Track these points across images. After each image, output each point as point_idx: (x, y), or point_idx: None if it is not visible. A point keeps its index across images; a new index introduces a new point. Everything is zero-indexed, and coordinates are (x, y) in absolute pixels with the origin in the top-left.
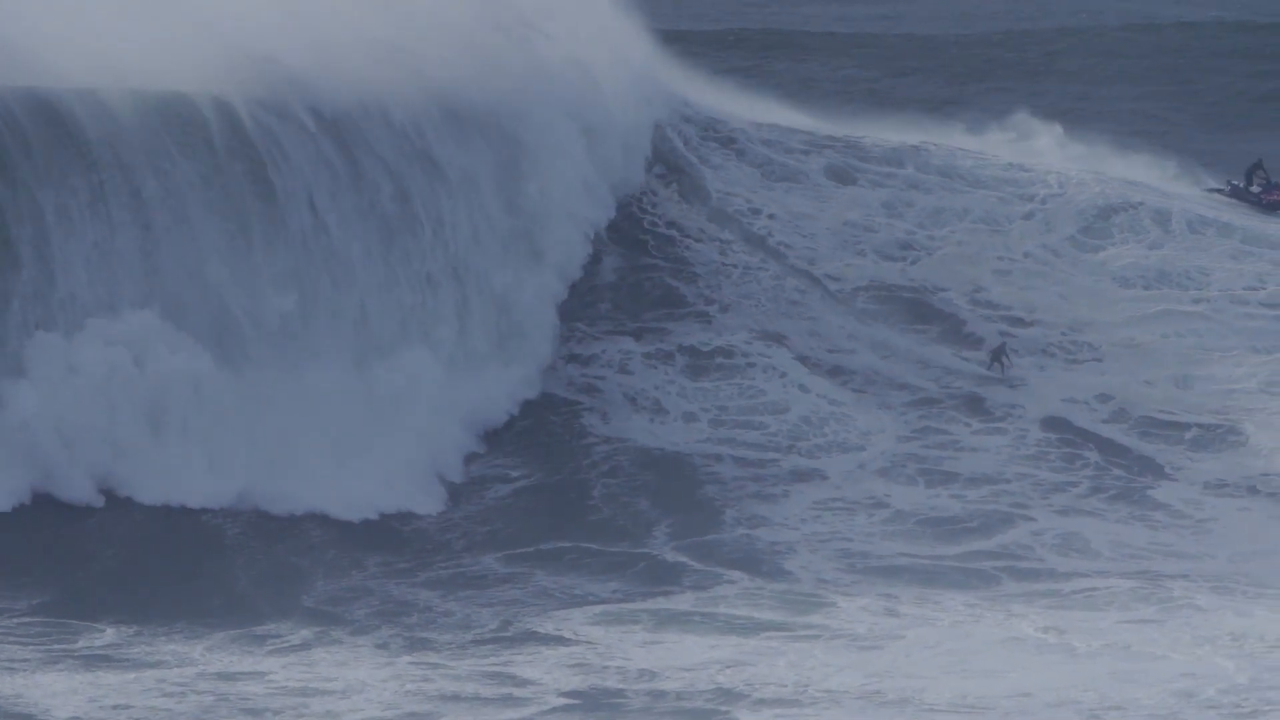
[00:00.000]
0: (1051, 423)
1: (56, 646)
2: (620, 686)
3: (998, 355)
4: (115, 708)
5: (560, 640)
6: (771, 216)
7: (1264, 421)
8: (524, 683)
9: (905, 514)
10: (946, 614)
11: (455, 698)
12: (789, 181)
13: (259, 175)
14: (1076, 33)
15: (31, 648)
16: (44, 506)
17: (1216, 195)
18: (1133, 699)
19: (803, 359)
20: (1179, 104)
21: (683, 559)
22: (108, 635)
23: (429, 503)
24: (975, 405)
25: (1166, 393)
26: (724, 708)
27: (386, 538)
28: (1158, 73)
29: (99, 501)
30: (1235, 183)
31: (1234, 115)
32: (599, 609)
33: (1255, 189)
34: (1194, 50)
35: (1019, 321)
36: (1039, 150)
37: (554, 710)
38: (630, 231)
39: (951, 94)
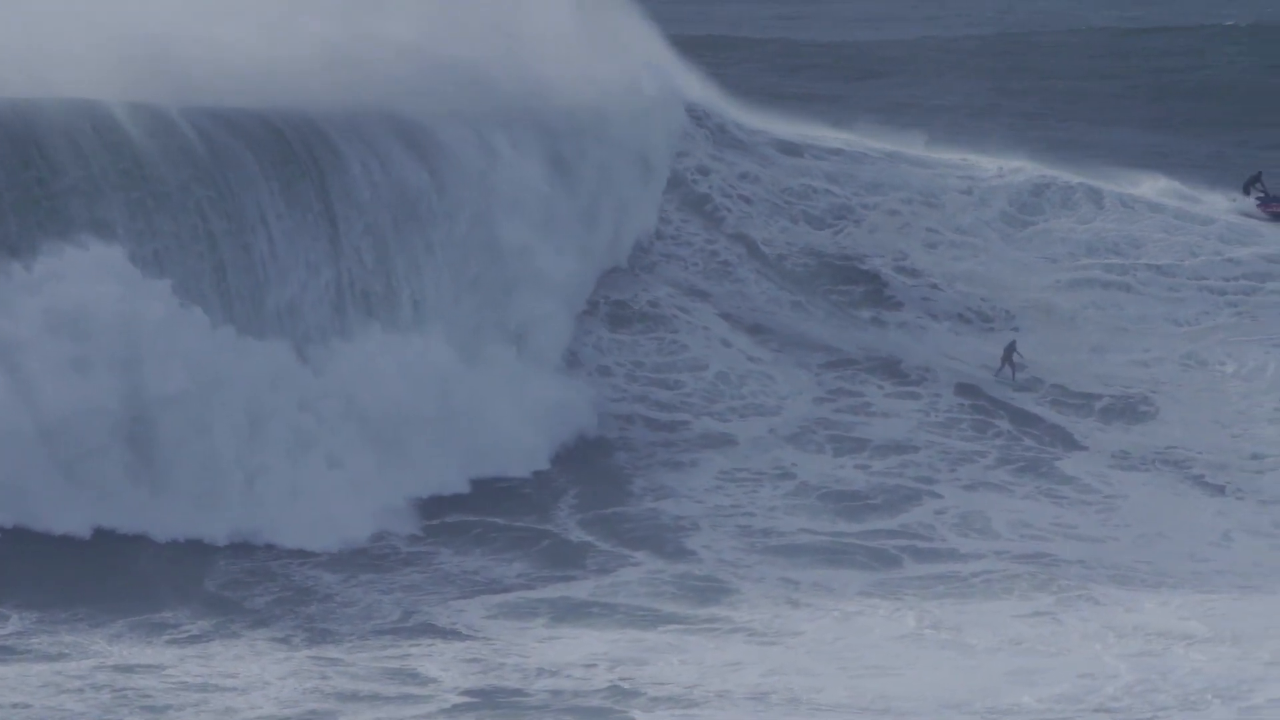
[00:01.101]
0: (965, 389)
1: None
2: (518, 685)
3: (1007, 357)
4: (14, 706)
5: (459, 635)
6: (715, 179)
7: (1177, 394)
8: (424, 680)
9: (810, 487)
10: (845, 604)
11: (354, 696)
12: (738, 149)
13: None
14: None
15: None
16: None
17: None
18: (1023, 703)
19: (726, 316)
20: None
21: (588, 538)
22: (11, 623)
23: None
24: (891, 368)
25: (1082, 361)
26: (620, 707)
27: None
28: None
29: None
30: (1233, 197)
31: (1095, 111)
32: (499, 600)
33: (1255, 199)
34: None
35: (937, 288)
36: None
37: (453, 709)
38: None
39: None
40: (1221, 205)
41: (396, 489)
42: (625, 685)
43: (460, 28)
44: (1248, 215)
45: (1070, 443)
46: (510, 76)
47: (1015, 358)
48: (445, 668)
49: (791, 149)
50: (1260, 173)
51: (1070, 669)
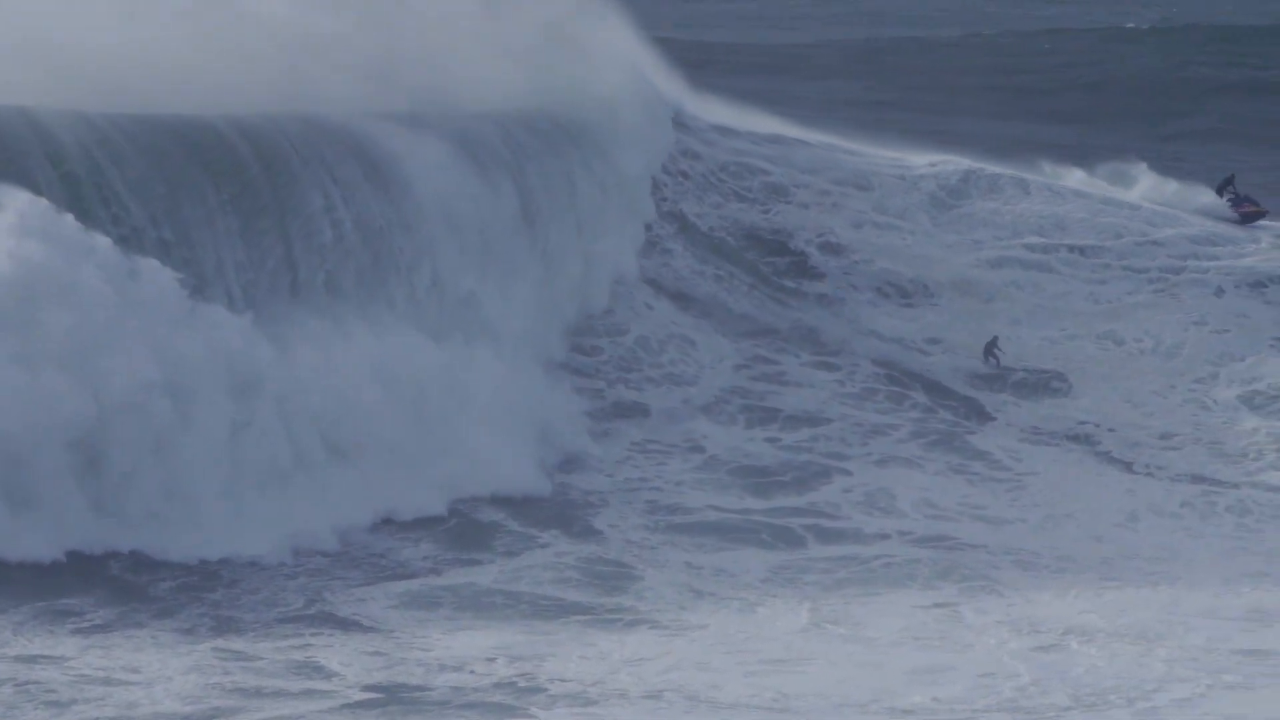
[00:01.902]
0: (882, 361)
1: None
2: (420, 681)
3: (990, 349)
4: None
5: (361, 626)
6: None
7: (1091, 371)
8: (328, 674)
9: (719, 460)
10: (747, 592)
11: (258, 692)
12: (680, 129)
13: None
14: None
15: None
16: None
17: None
18: (921, 702)
19: (650, 282)
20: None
21: (497, 517)
22: None
23: None
24: (810, 339)
25: (1000, 337)
26: (521, 703)
27: None
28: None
29: None
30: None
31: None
32: (403, 587)
33: (1226, 201)
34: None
35: (858, 264)
36: None
37: (355, 705)
38: None
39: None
40: (1147, 193)
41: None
42: (525, 682)
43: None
44: (1221, 218)
45: (984, 416)
46: (428, 70)
47: (997, 351)
48: (348, 662)
49: (730, 133)
50: (1233, 175)
51: (970, 666)
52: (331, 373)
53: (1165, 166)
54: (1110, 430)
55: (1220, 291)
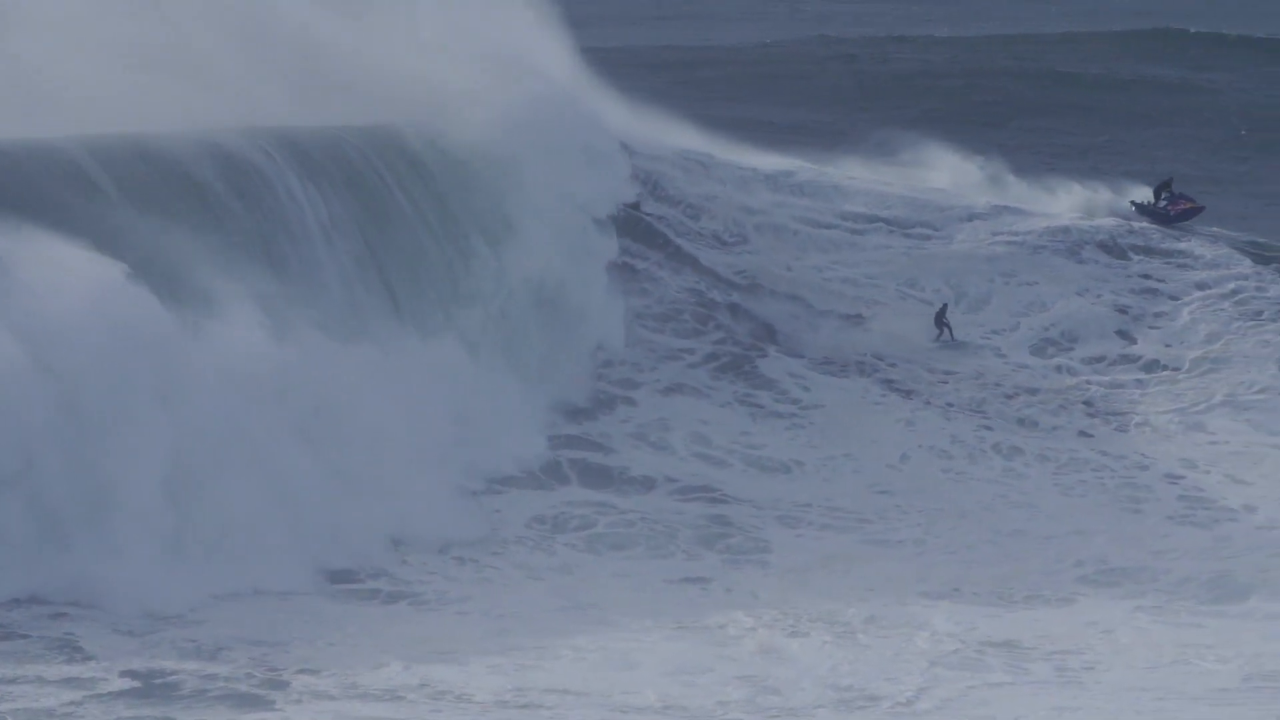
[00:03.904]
0: (689, 290)
1: None
2: (175, 666)
3: (940, 319)
4: None
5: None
6: None
7: (885, 309)
8: (86, 657)
9: None
10: (504, 563)
11: (15, 680)
12: None
13: None
14: None
15: None
16: None
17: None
18: (668, 703)
19: None
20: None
21: None
22: None
23: None
24: (622, 267)
25: (804, 276)
26: (270, 694)
27: None
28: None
29: None
30: (1141, 201)
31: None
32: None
33: (1162, 204)
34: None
35: (693, 208)
36: None
37: (113, 695)
38: None
39: None
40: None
41: None
42: (272, 677)
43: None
44: (1152, 223)
45: (777, 343)
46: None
47: (947, 319)
48: (105, 646)
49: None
50: (1171, 178)
51: (730, 668)
52: None
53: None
54: (893, 365)
55: (1036, 250)
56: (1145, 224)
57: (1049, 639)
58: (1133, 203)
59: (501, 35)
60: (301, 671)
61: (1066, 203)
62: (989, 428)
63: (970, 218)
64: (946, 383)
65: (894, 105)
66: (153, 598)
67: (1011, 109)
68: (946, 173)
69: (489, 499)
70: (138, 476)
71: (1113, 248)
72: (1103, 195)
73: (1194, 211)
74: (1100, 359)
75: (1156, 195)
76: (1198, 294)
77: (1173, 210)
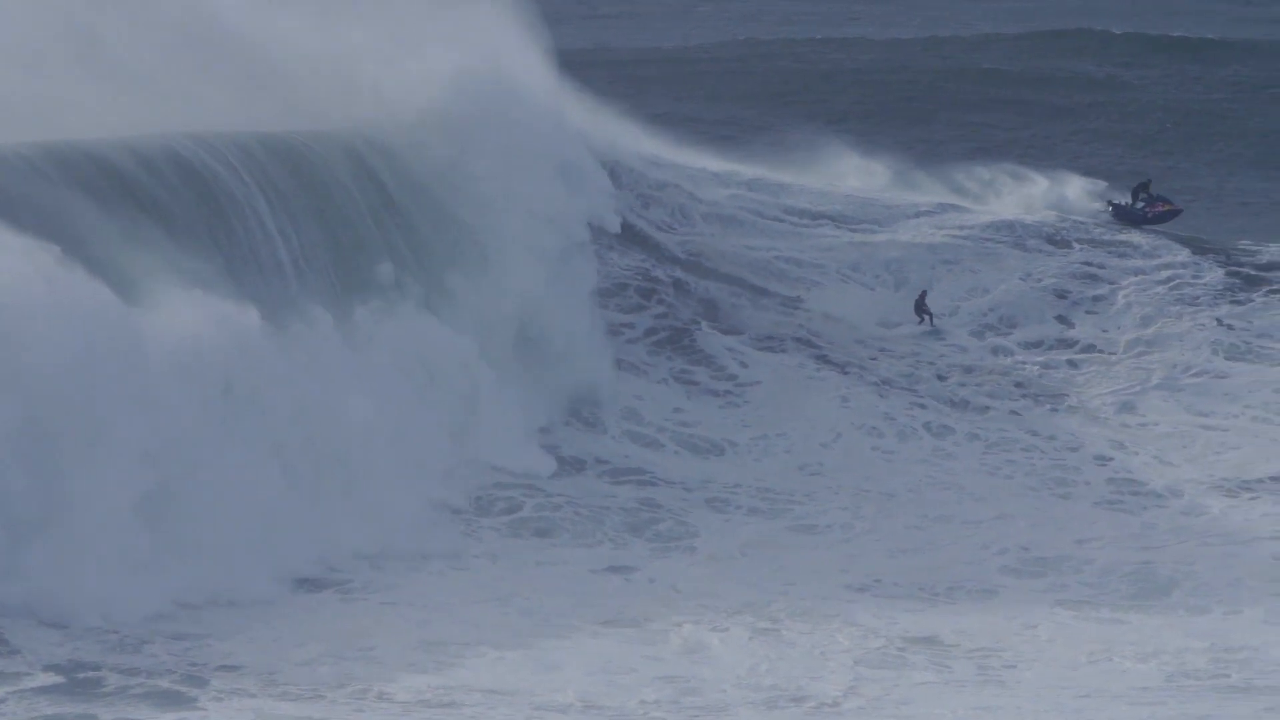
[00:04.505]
0: (634, 268)
1: None
2: (99, 660)
3: (920, 307)
4: None
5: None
6: None
7: (827, 290)
8: (11, 651)
9: None
10: (426, 561)
11: None
12: None
13: None
14: None
15: None
16: None
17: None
18: (600, 704)
19: None
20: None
21: None
22: None
23: None
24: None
25: (748, 256)
26: (191, 691)
27: None
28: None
29: None
30: (1118, 202)
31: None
32: None
33: (1140, 205)
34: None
35: (643, 196)
36: None
37: (35, 691)
38: None
39: None
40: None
41: None
42: (195, 672)
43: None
44: (1129, 224)
45: (717, 320)
46: None
47: (927, 306)
48: (31, 640)
49: None
50: (1149, 180)
51: (651, 668)
52: None
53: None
54: (831, 343)
55: (979, 241)
56: (1083, 219)
57: (971, 635)
58: (1110, 203)
59: (474, 40)
60: (222, 668)
61: (1010, 199)
62: (921, 406)
63: (916, 214)
64: (881, 362)
65: (818, 103)
66: (113, 609)
67: (937, 104)
68: (852, 170)
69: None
70: (100, 484)
71: (1056, 239)
72: (1035, 188)
73: (1172, 214)
74: (1038, 343)
75: (1134, 196)
76: (1135, 280)
77: (1150, 212)
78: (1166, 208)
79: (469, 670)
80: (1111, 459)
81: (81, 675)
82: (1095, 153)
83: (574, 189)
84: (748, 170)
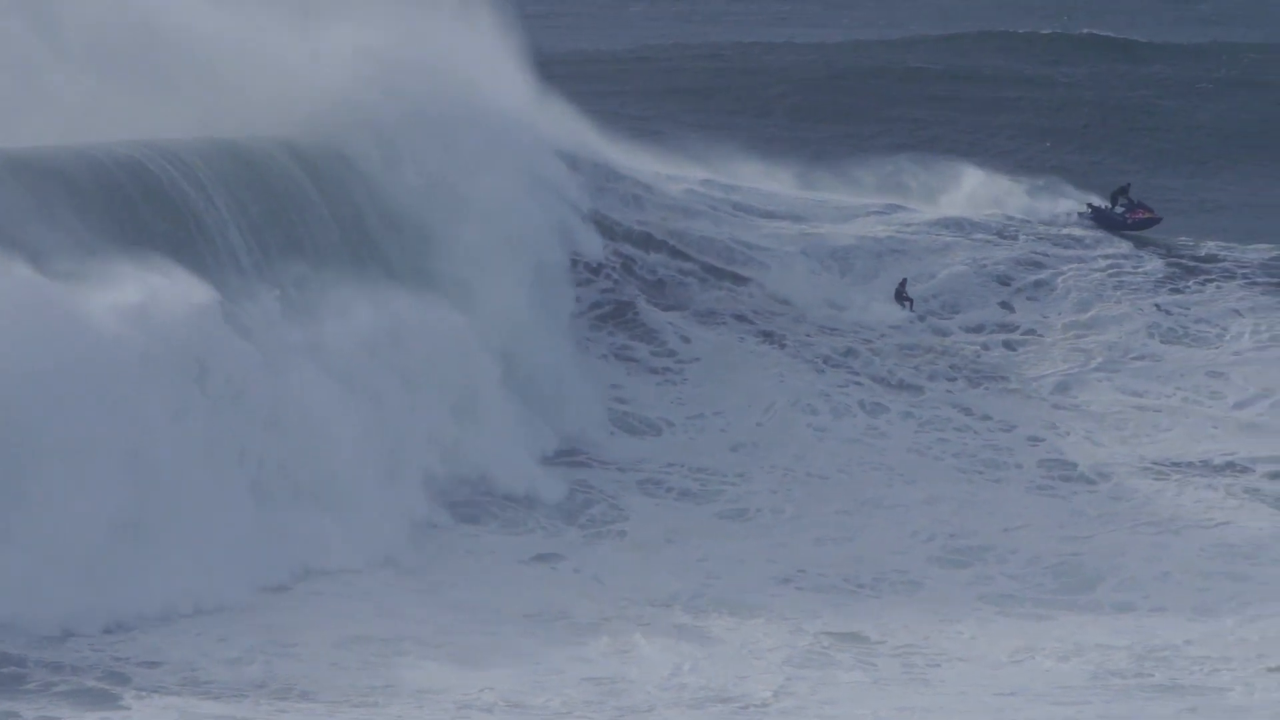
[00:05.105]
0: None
1: None
2: (21, 654)
3: (900, 294)
4: None
5: None
6: None
7: (774, 272)
8: None
9: None
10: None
11: None
12: None
13: None
14: None
15: None
16: None
17: (1079, 216)
18: (523, 704)
19: None
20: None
21: None
22: None
23: None
24: None
25: (697, 235)
26: (116, 688)
27: None
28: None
29: None
30: (1098, 205)
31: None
32: None
33: (1119, 210)
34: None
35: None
36: None
37: None
38: None
39: None
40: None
41: None
42: (118, 669)
43: None
44: (1107, 229)
45: (661, 295)
46: None
47: (907, 294)
48: None
49: None
50: (1129, 184)
51: (548, 657)
52: None
53: None
54: (772, 318)
55: (928, 234)
56: (1021, 217)
57: (895, 631)
58: (1089, 204)
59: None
60: (145, 664)
61: (946, 197)
62: (858, 384)
63: (867, 214)
64: (821, 341)
65: (747, 104)
66: (74, 616)
67: (868, 102)
68: (757, 172)
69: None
70: (66, 486)
71: (1003, 232)
72: (970, 182)
73: (1152, 222)
74: (979, 327)
75: (1113, 200)
76: (1076, 267)
77: (1130, 218)
78: (1146, 215)
79: (392, 669)
80: (1044, 440)
81: (5, 670)
82: (1021, 148)
83: (545, 209)
84: (698, 172)
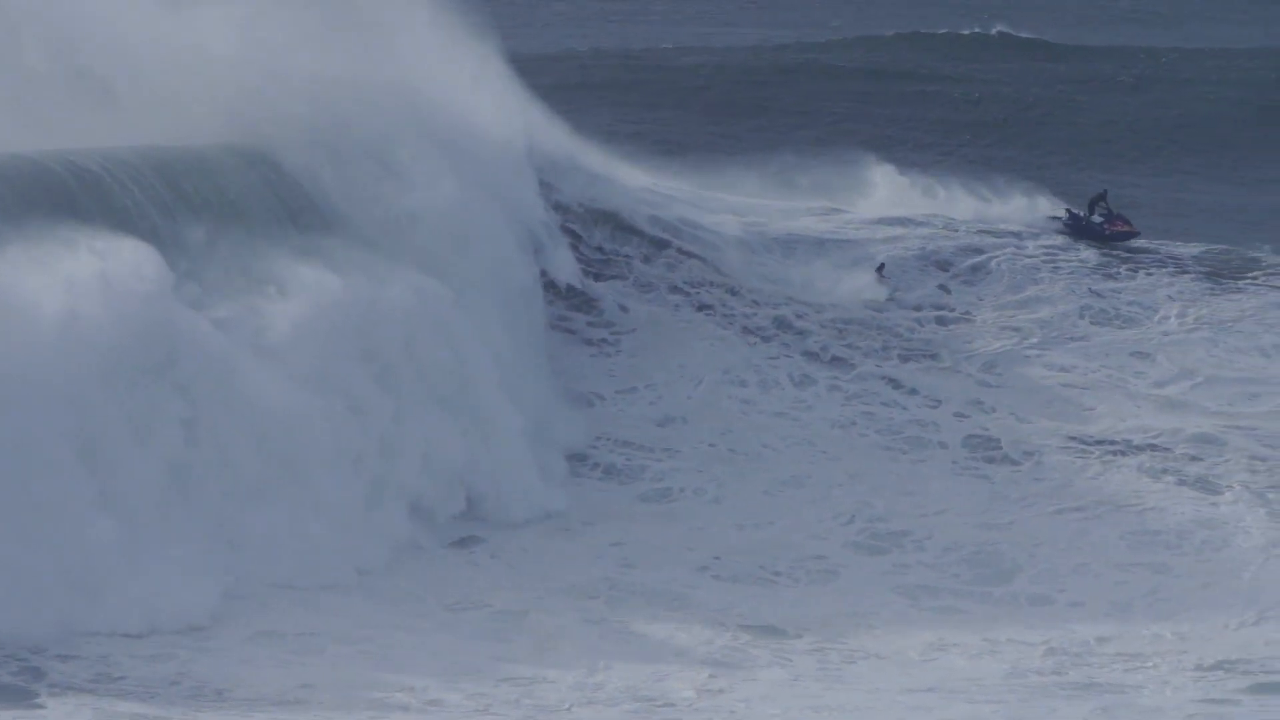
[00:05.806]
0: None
1: None
2: None
3: (879, 275)
4: None
5: None
6: None
7: (724, 252)
8: None
9: None
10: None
11: None
12: None
13: None
14: None
15: None
16: None
17: (1055, 224)
18: (440, 701)
19: None
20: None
21: None
22: None
23: None
24: None
25: (648, 213)
26: (31, 685)
27: None
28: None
29: None
30: (1076, 212)
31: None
32: None
33: (1097, 219)
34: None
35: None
36: None
37: None
38: None
39: None
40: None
41: None
42: (36, 663)
43: None
44: (1083, 238)
45: (609, 268)
46: None
47: (885, 275)
48: None
49: None
50: (1105, 191)
51: (465, 654)
52: None
53: None
54: (713, 291)
55: (868, 227)
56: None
57: (810, 625)
58: (1068, 210)
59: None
60: (58, 658)
61: (875, 193)
62: (789, 357)
63: (809, 214)
64: (757, 314)
65: (664, 106)
66: (33, 634)
67: (790, 97)
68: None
69: None
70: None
71: (946, 225)
72: (900, 180)
73: (1130, 235)
74: (917, 307)
75: (1090, 209)
76: (1013, 253)
77: (1109, 229)
78: (1125, 228)
79: (307, 667)
80: (969, 416)
81: None
82: (940, 140)
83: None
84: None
